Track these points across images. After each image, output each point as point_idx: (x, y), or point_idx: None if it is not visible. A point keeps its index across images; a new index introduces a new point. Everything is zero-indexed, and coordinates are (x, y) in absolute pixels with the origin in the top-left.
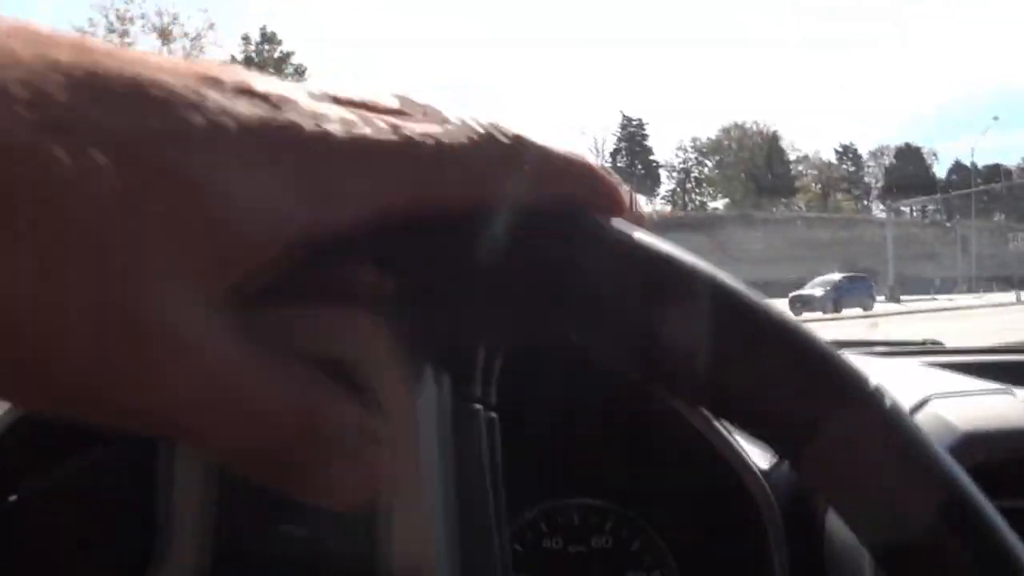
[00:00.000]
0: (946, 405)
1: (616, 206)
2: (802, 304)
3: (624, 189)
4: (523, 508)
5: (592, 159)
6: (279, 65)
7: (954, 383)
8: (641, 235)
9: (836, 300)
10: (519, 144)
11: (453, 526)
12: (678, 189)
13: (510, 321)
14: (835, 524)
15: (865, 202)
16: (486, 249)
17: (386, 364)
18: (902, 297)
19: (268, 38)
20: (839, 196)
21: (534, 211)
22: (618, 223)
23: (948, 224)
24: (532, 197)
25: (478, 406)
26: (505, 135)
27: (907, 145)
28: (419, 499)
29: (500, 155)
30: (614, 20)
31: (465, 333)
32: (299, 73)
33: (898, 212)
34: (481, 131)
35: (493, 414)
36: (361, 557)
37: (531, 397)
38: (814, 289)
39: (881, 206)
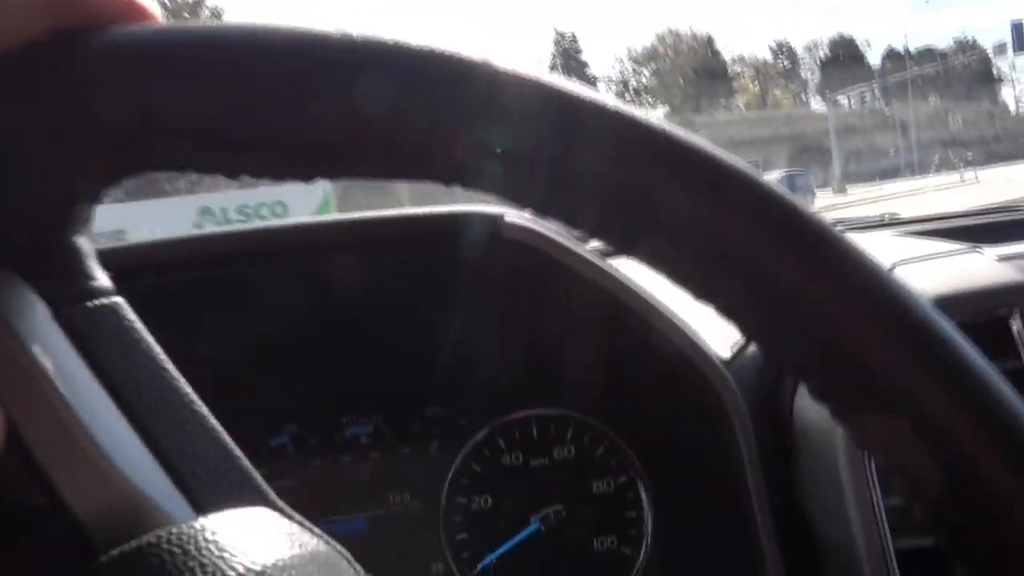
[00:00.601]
0: (913, 271)
1: (123, 13)
2: None
3: None
4: (477, 425)
5: None
6: (194, 9)
7: (919, 248)
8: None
9: None
10: None
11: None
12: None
13: (71, 181)
14: (804, 408)
15: (803, 96)
16: None
17: None
18: (848, 188)
19: None
20: (777, 93)
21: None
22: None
23: (887, 111)
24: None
25: (93, 302)
26: None
27: (840, 36)
28: (81, 430)
29: None
30: None
31: (28, 220)
32: (215, 16)
33: (836, 103)
34: None
35: (115, 299)
36: (42, 515)
37: (467, 309)
38: None
39: (820, 99)
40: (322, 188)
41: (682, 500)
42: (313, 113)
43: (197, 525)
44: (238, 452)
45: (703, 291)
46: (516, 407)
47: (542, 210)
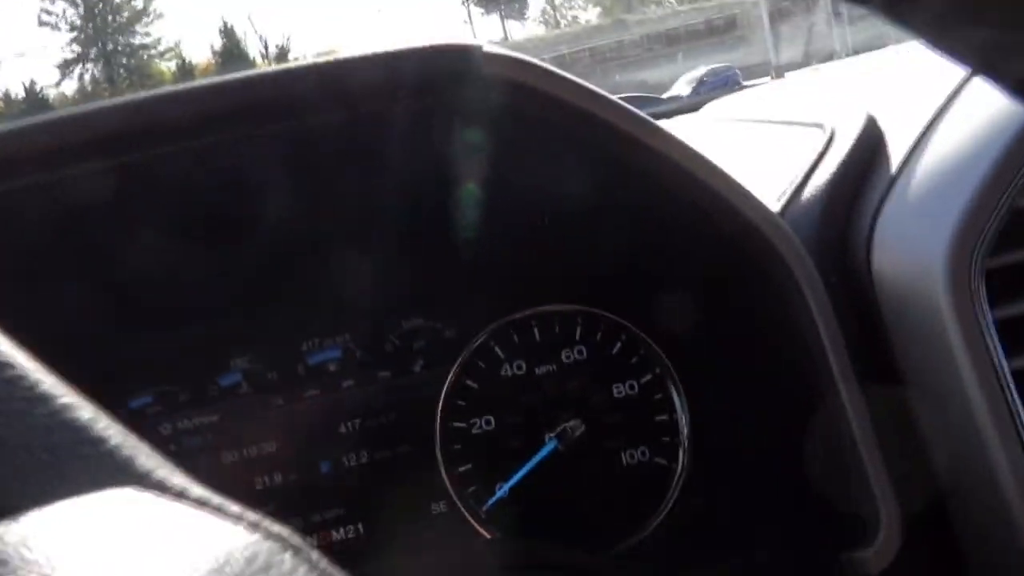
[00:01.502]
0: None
1: None
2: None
3: None
4: (467, 334)
5: None
6: None
7: None
8: None
9: (704, 95)
10: None
11: None
12: (548, 7)
13: None
14: (886, 265)
15: None
16: None
17: None
18: (787, 74)
19: None
20: None
21: None
22: None
23: None
24: None
25: None
26: None
27: None
28: None
29: None
30: None
31: None
32: None
33: None
34: None
35: None
36: None
37: (437, 180)
38: (681, 88)
39: None
40: None
41: (728, 395)
42: None
43: None
44: (76, 401)
45: None
46: (511, 307)
47: None
